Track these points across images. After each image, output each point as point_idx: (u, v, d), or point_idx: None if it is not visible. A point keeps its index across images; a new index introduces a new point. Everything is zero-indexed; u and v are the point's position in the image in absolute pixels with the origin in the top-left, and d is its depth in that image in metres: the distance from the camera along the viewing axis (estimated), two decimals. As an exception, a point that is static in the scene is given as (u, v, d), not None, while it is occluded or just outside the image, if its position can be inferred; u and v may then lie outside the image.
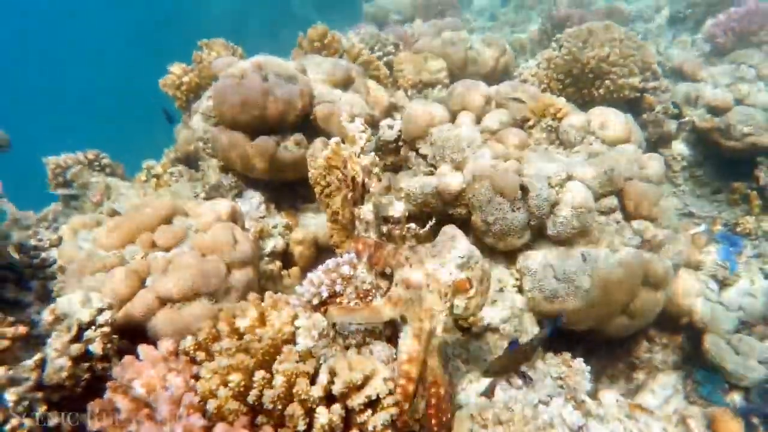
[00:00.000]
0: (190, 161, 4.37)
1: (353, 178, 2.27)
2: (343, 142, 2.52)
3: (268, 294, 1.99)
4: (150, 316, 2.36)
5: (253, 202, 3.55)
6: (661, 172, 3.40)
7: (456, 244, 1.98)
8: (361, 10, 8.45)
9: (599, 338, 3.33)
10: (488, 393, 2.55)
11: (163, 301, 2.39)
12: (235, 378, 1.64)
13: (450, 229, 2.01)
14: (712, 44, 5.37)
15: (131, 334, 2.34)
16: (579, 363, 2.99)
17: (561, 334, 3.27)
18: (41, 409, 1.67)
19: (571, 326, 3.08)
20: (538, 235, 3.11)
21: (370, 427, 1.73)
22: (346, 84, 3.79)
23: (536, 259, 3.02)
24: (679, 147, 4.73)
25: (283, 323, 1.85)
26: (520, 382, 2.74)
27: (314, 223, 3.63)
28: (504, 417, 2.05)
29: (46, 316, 2.01)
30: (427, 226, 2.95)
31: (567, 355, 3.09)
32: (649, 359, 3.80)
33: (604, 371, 3.89)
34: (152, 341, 2.14)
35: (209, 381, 1.66)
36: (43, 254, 2.86)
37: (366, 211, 2.32)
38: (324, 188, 2.70)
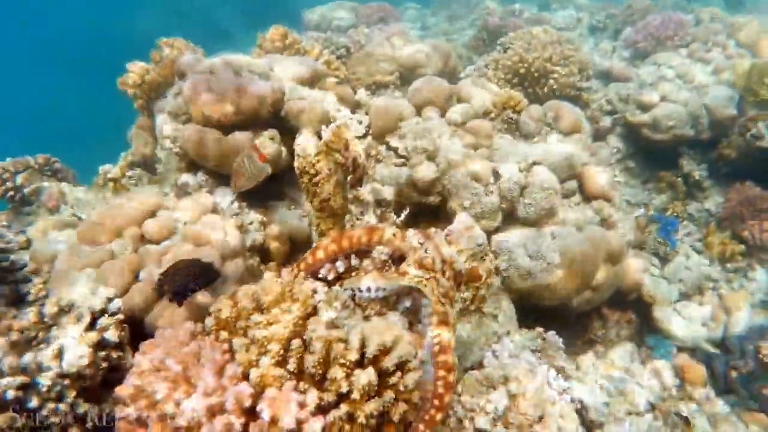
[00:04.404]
0: (148, 165, 4.25)
1: (355, 160, 2.35)
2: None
3: (285, 271, 2.02)
4: (149, 308, 2.31)
5: (225, 199, 3.51)
6: (608, 157, 3.73)
7: (472, 233, 2.10)
8: (300, 21, 8.51)
9: (566, 313, 3.57)
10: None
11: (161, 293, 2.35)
12: (274, 347, 1.67)
13: (465, 219, 2.12)
14: (633, 49, 5.93)
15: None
16: (552, 336, 3.22)
17: (527, 313, 3.49)
18: (70, 396, 1.61)
19: (543, 302, 3.29)
20: (509, 217, 3.32)
21: (401, 387, 1.81)
22: (312, 81, 3.86)
23: (509, 239, 3.22)
24: (614, 141, 5.16)
25: (306, 296, 1.90)
26: (506, 353, 2.92)
27: (287, 220, 3.65)
28: (511, 374, 2.19)
29: (49, 308, 1.93)
30: (402, 215, 3.07)
31: (540, 330, 3.31)
32: (604, 335, 4.11)
33: (565, 349, 4.17)
34: (150, 335, 2.10)
35: (248, 353, 1.68)
36: (12, 257, 2.69)
37: (365, 192, 2.40)
38: (312, 177, 2.75)
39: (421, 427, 1.82)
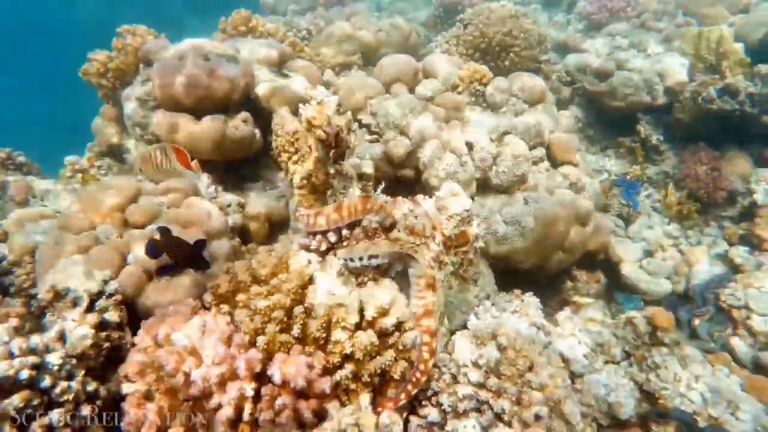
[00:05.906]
0: (115, 154, 4.18)
1: (338, 135, 2.40)
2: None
3: (278, 244, 2.07)
4: (140, 291, 2.32)
5: (202, 183, 3.50)
6: (573, 125, 3.88)
7: (460, 199, 2.18)
8: (252, 6, 8.38)
9: (538, 276, 3.72)
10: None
11: (151, 275, 2.36)
12: (278, 314, 1.73)
13: (451, 186, 2.20)
14: (588, 21, 6.11)
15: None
16: (529, 296, 3.36)
17: (506, 276, 3.63)
18: (80, 374, 1.63)
19: (519, 265, 3.43)
20: (483, 186, 3.43)
21: (400, 346, 1.90)
22: (280, 64, 3.86)
23: (485, 207, 3.34)
24: (574, 110, 5.34)
25: (302, 266, 1.95)
26: (489, 315, 3.04)
27: (264, 201, 3.67)
28: (499, 332, 2.30)
29: (44, 294, 1.93)
30: (378, 190, 3.14)
31: (517, 291, 3.45)
32: (575, 294, 4.30)
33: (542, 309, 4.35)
34: (143, 316, 2.12)
35: (253, 322, 1.73)
36: (-10, 251, 2.64)
37: (348, 166, 2.45)
38: (292, 155, 2.78)
39: (409, 387, 1.91)
